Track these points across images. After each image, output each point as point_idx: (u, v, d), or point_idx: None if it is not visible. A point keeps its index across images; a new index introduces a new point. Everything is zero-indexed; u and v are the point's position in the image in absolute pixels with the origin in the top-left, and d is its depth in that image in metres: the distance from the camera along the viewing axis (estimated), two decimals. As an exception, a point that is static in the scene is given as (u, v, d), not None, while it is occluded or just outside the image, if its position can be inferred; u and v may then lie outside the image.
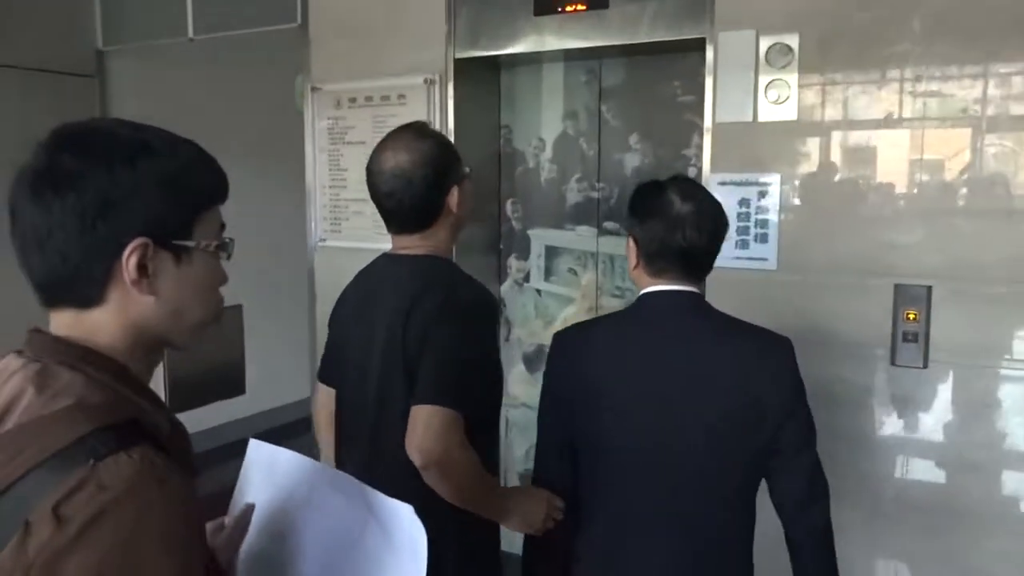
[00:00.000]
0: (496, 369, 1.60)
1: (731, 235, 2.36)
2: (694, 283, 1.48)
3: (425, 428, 1.40)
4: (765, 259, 2.32)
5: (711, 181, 2.38)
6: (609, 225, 2.85)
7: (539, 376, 2.97)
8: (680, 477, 1.44)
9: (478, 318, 1.52)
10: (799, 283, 2.29)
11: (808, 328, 2.27)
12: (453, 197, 1.57)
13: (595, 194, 2.85)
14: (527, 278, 3.05)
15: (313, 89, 3.07)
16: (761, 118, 2.30)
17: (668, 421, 1.43)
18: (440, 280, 1.53)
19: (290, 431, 3.55)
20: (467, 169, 1.64)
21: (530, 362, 3.08)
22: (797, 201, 2.29)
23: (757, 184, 2.32)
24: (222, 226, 0.93)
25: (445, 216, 1.58)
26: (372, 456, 1.56)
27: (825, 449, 2.31)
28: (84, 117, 0.92)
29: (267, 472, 1.16)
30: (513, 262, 3.08)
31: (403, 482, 1.30)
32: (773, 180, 2.30)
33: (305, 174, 3.17)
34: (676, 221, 1.42)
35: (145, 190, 0.83)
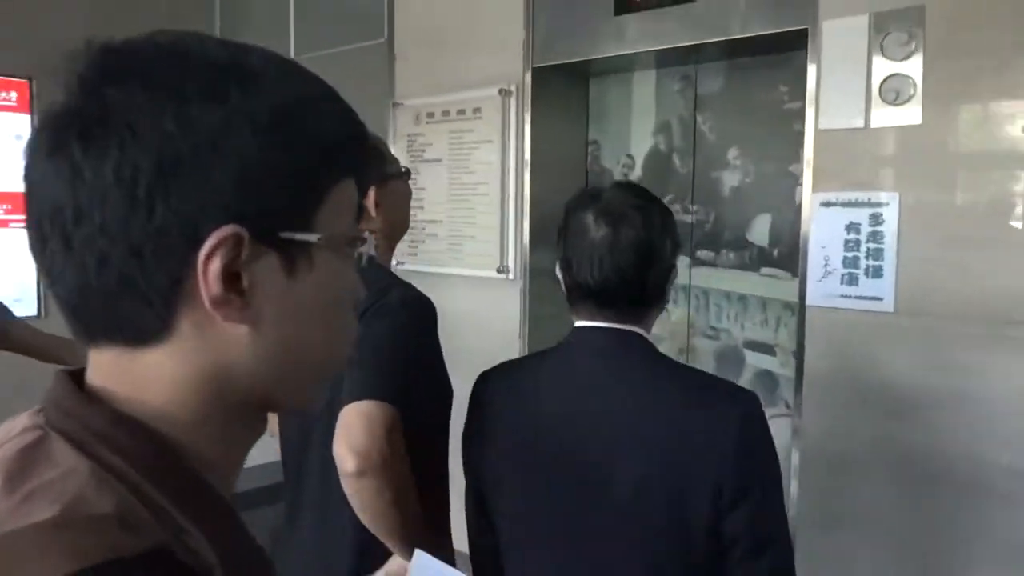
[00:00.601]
0: (438, 377, 1.38)
1: (835, 268, 1.92)
2: (626, 320, 1.13)
3: (358, 424, 1.16)
4: (879, 299, 1.86)
5: (813, 202, 1.95)
6: (703, 254, 2.46)
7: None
8: (597, 567, 1.08)
9: (413, 316, 1.31)
10: (921, 330, 1.80)
11: (932, 388, 1.78)
12: (371, 200, 1.38)
13: (688, 218, 2.48)
14: (613, 312, 2.71)
15: (394, 105, 2.94)
16: (875, 123, 1.85)
17: (578, 491, 1.09)
18: (371, 286, 1.31)
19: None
20: (403, 168, 1.47)
21: (614, 407, 2.72)
22: (921, 226, 1.81)
23: (869, 205, 1.86)
24: (359, 211, 0.58)
25: (366, 221, 1.37)
26: (299, 482, 1.40)
27: (951, 553, 1.80)
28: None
29: None
30: (598, 293, 2.75)
31: (331, 503, 1.15)
32: (890, 200, 1.83)
33: (387, 194, 3.03)
34: (585, 251, 1.11)
35: (239, 143, 0.48)
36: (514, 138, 2.58)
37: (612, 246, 1.09)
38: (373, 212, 1.38)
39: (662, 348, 2.54)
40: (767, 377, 2.32)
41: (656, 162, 2.56)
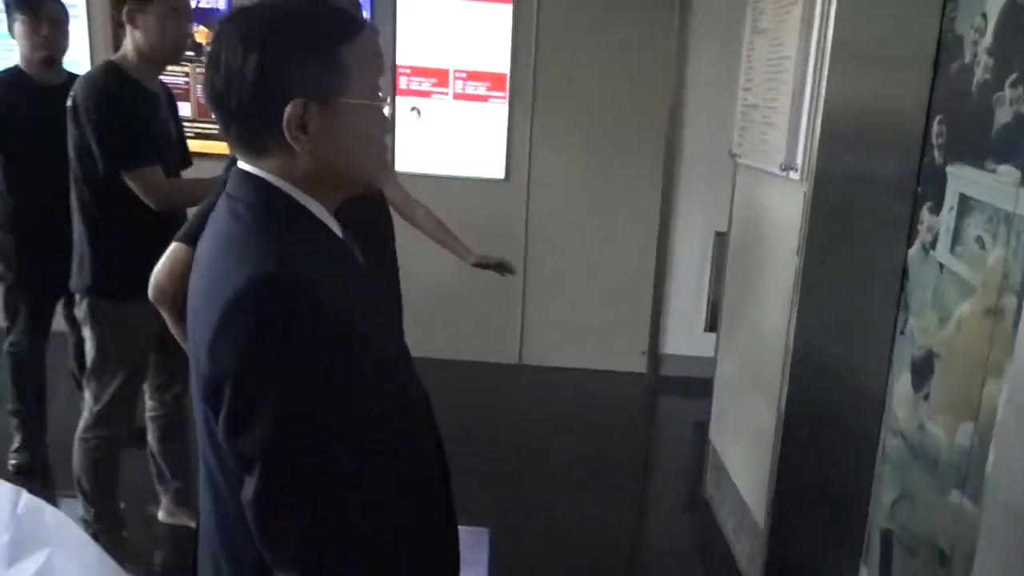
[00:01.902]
0: None
1: None
2: (250, 156, 0.92)
3: None
4: None
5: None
6: (1040, 167, 1.57)
7: (925, 395, 1.93)
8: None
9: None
10: None
11: None
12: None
13: (1028, 109, 1.60)
14: (935, 242, 1.95)
15: (750, -31, 2.53)
16: None
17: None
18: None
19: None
20: None
21: (918, 372, 2.01)
22: None
23: None
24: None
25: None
26: None
27: None
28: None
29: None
30: (925, 215, 2.00)
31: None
32: None
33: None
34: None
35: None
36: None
37: (216, 45, 0.89)
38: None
39: (971, 303, 1.77)
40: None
41: (1010, 23, 1.68)
